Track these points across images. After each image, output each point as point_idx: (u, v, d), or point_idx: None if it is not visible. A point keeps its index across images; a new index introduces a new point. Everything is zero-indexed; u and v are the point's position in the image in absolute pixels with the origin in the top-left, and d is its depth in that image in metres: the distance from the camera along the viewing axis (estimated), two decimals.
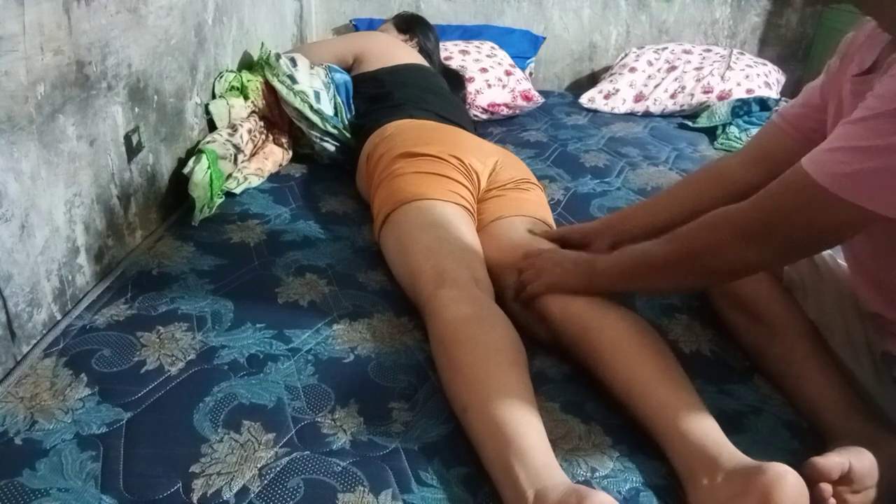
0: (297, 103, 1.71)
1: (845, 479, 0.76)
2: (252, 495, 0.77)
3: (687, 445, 0.80)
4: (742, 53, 2.56)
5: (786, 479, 0.69)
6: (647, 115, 2.42)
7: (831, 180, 0.74)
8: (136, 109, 1.31)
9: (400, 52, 1.91)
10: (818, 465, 0.76)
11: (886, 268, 0.88)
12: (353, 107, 1.85)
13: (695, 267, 0.91)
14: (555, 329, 1.03)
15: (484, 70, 2.34)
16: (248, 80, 1.73)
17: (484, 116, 2.28)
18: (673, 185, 1.26)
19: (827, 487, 0.75)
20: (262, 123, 1.74)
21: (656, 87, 2.44)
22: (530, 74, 2.69)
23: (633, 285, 1.06)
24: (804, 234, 0.80)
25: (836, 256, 1.08)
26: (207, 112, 1.65)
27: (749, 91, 2.35)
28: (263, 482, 0.78)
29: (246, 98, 1.72)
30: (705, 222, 0.89)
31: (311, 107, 1.71)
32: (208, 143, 1.50)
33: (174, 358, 0.98)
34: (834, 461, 0.76)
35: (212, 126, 1.66)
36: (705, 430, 0.82)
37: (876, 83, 0.76)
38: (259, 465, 0.81)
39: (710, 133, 2.21)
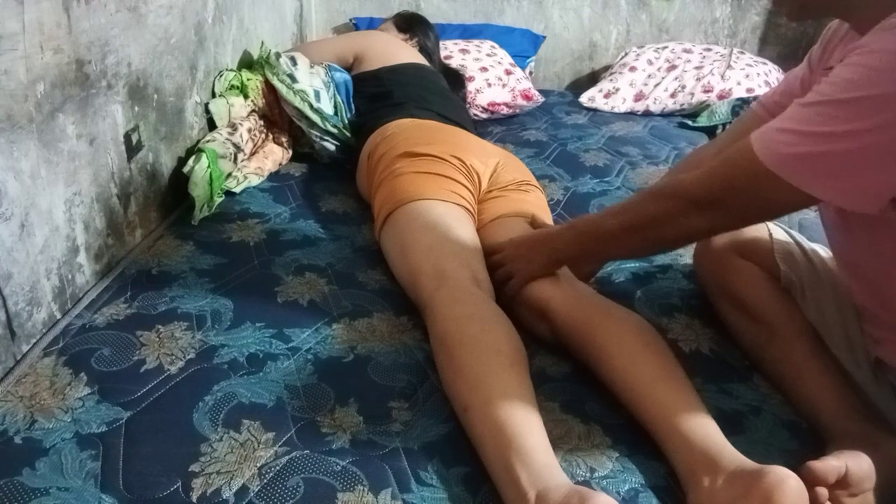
0: (297, 102, 1.71)
1: (842, 483, 0.76)
2: (251, 494, 0.77)
3: (688, 446, 0.80)
4: (742, 52, 2.56)
5: (787, 483, 0.69)
6: (647, 114, 2.42)
7: (772, 159, 0.77)
8: (136, 108, 1.31)
9: (400, 51, 1.91)
10: (815, 469, 0.76)
11: (869, 261, 0.88)
12: (353, 106, 1.85)
13: (646, 235, 0.95)
14: (557, 327, 1.03)
15: (484, 69, 2.34)
16: (248, 79, 1.73)
17: (484, 115, 2.28)
18: (657, 181, 1.27)
19: (823, 491, 0.75)
20: (261, 122, 1.74)
21: (656, 86, 2.44)
22: (530, 73, 2.69)
23: (590, 256, 1.11)
24: (748, 206, 0.84)
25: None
26: (207, 111, 1.64)
27: (749, 90, 2.35)
28: (263, 481, 0.78)
29: (246, 97, 1.72)
30: (657, 192, 0.93)
31: (311, 106, 1.71)
32: (208, 141, 1.50)
33: (174, 357, 0.99)
34: (831, 465, 0.76)
35: (211, 125, 1.66)
36: (706, 431, 0.82)
37: (834, 70, 0.77)
38: (258, 465, 0.81)
39: (711, 132, 2.21)
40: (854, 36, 0.86)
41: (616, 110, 2.43)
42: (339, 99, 1.81)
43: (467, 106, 2.18)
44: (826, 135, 0.74)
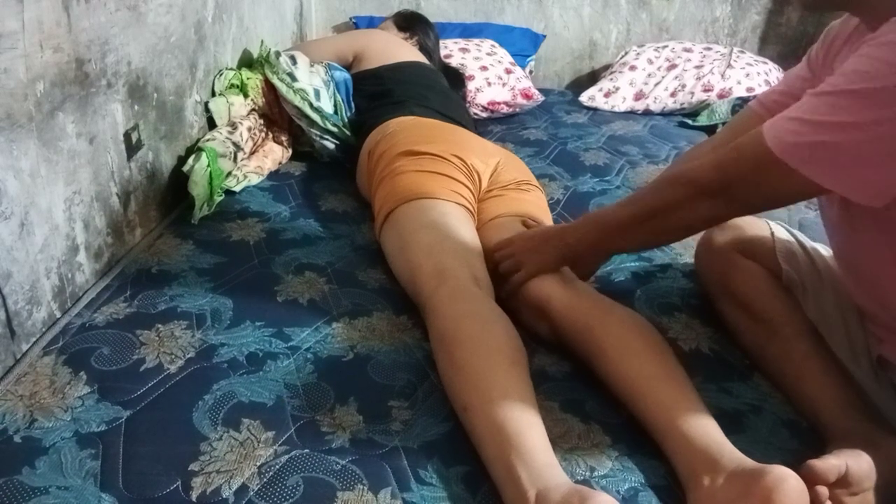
0: (297, 101, 1.71)
1: (842, 482, 0.76)
2: (251, 493, 0.77)
3: (688, 445, 0.80)
4: (742, 52, 2.56)
5: (787, 482, 0.69)
6: (648, 113, 2.42)
7: (782, 147, 0.77)
8: (136, 107, 1.31)
9: (400, 49, 1.91)
10: (815, 468, 0.75)
11: (870, 262, 0.88)
12: (353, 104, 1.84)
13: (655, 224, 0.96)
14: (558, 326, 1.03)
15: (484, 68, 2.34)
16: (248, 78, 1.73)
17: (484, 114, 2.28)
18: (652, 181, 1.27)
19: (823, 490, 0.75)
20: (261, 121, 1.74)
21: (656, 85, 2.44)
22: (530, 72, 2.69)
23: (603, 248, 1.10)
24: (756, 194, 0.84)
25: None
26: (207, 110, 1.64)
27: (749, 89, 2.34)
28: (263, 480, 0.78)
29: (246, 96, 1.71)
30: (665, 181, 0.94)
31: (310, 105, 1.71)
32: (208, 140, 1.50)
33: (173, 356, 0.98)
34: (831, 464, 0.76)
35: (211, 124, 1.66)
36: (707, 430, 0.82)
37: (847, 62, 0.77)
38: (258, 464, 0.81)
39: (711, 131, 2.21)
40: (862, 34, 0.86)
41: (616, 109, 2.43)
42: (338, 97, 1.81)
43: (467, 105, 2.18)
44: (836, 125, 0.74)
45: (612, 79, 2.51)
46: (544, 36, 2.73)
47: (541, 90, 2.50)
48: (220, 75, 1.70)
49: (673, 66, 2.47)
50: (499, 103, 2.29)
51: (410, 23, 2.13)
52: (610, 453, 0.86)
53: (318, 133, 1.76)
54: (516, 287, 1.09)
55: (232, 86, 1.70)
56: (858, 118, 0.72)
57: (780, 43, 2.76)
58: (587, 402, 0.94)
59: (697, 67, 2.44)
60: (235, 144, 1.56)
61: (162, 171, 1.45)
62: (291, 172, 1.73)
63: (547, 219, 1.35)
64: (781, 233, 1.10)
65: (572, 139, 2.05)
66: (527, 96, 2.35)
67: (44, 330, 1.05)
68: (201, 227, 1.38)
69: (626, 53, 2.62)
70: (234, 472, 0.79)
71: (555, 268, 1.08)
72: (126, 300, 1.12)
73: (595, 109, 2.43)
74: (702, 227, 1.02)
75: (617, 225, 1.01)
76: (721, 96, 2.34)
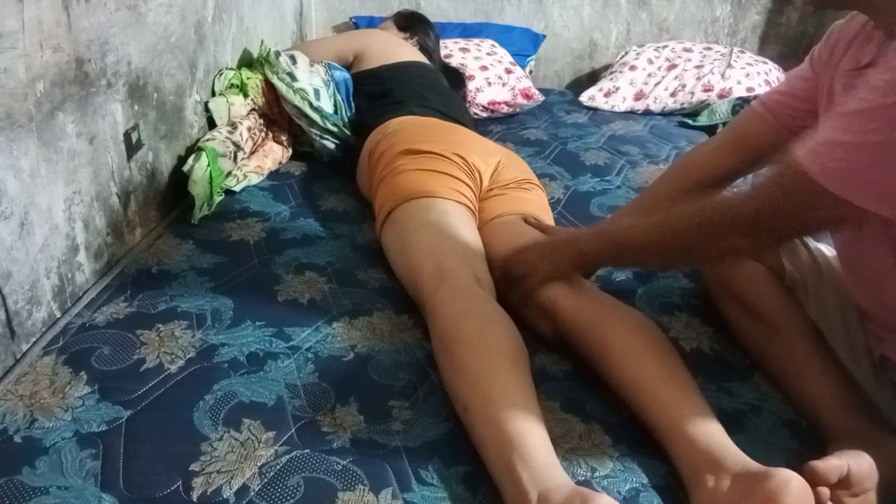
0: (297, 101, 1.71)
1: (844, 483, 0.76)
2: (252, 494, 0.77)
3: (692, 446, 0.80)
4: (742, 52, 2.56)
5: (791, 484, 0.69)
6: (648, 113, 2.42)
7: (826, 176, 0.74)
8: (136, 107, 1.31)
9: (400, 49, 1.91)
10: (816, 469, 0.75)
11: (868, 260, 0.88)
12: (353, 104, 1.84)
13: (685, 251, 0.94)
14: (562, 325, 1.03)
15: (484, 68, 2.34)
16: (248, 78, 1.73)
17: (484, 114, 2.28)
18: (652, 183, 1.27)
19: (825, 491, 0.75)
20: (261, 121, 1.74)
21: (656, 85, 2.44)
22: (530, 72, 2.69)
23: (617, 264, 1.09)
24: (799, 226, 0.83)
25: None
26: (207, 110, 1.64)
27: (749, 89, 2.34)
28: (263, 480, 0.78)
29: (246, 96, 1.71)
30: (701, 212, 0.90)
31: (310, 104, 1.71)
32: (208, 140, 1.50)
33: (174, 356, 0.98)
34: (832, 464, 0.76)
35: (211, 124, 1.66)
36: (710, 431, 0.82)
37: (871, 74, 0.75)
38: (259, 464, 0.80)
39: (711, 131, 2.21)
40: (869, 34, 0.85)
41: (616, 109, 2.43)
42: (338, 97, 1.81)
43: (467, 105, 2.18)
44: (872, 144, 0.71)
45: (612, 79, 2.51)
46: (544, 36, 2.73)
47: (541, 90, 2.49)
48: (220, 75, 1.70)
49: (673, 66, 2.47)
50: (499, 103, 2.29)
51: (410, 23, 2.13)
52: (611, 453, 0.86)
53: (318, 133, 1.75)
54: (527, 293, 1.08)
55: (232, 86, 1.70)
56: (891, 134, 0.70)
57: (780, 43, 2.76)
58: (588, 402, 0.94)
59: (697, 67, 2.44)
60: (235, 144, 1.55)
61: (162, 171, 1.45)
62: (291, 172, 1.73)
63: (548, 218, 1.34)
64: None
65: (572, 139, 2.05)
66: (527, 96, 2.35)
67: (44, 330, 1.05)
68: (201, 227, 1.38)
69: (626, 53, 2.62)
70: (234, 472, 0.79)
71: (565, 275, 1.06)
72: (126, 300, 1.12)
73: (595, 109, 2.43)
74: (733, 257, 0.99)
75: (643, 246, 0.98)
76: (721, 96, 2.34)
